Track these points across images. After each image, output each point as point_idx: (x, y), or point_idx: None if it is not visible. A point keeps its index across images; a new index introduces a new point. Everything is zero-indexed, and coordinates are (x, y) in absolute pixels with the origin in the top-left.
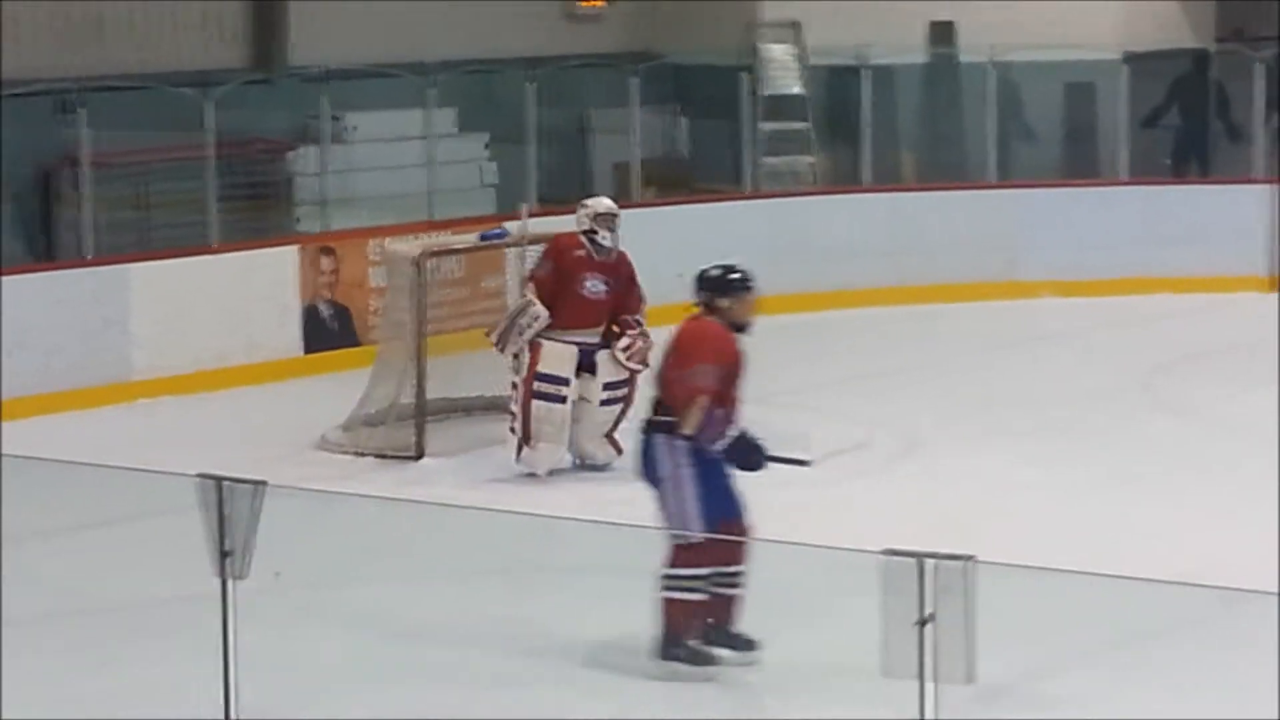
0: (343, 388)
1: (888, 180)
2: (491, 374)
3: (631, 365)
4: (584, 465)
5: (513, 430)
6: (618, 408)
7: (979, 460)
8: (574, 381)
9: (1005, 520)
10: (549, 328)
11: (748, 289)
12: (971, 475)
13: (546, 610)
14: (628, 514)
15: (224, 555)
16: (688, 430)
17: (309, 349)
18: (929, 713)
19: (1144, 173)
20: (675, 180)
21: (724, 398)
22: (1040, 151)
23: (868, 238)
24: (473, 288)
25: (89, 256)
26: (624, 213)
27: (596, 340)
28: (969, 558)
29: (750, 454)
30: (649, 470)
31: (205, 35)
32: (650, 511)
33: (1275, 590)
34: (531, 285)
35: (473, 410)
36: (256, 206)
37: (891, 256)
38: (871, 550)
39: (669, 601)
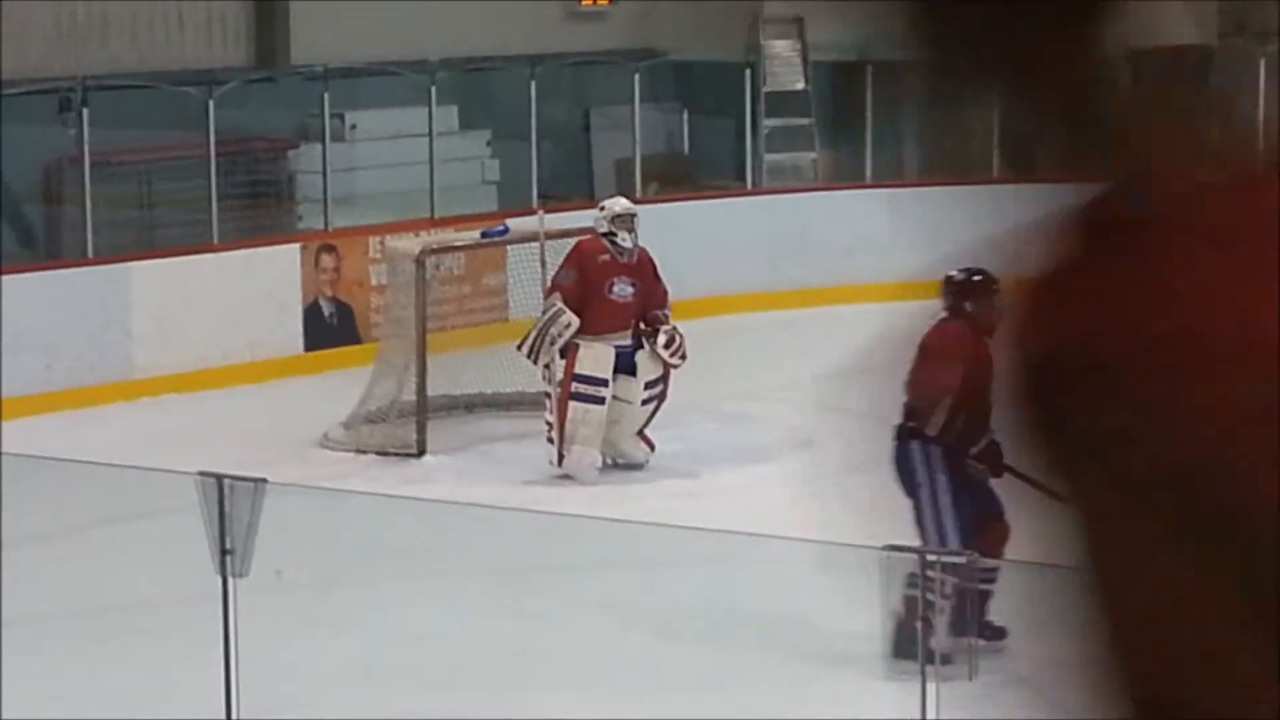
0: (344, 385)
1: (890, 176)
2: (492, 371)
3: (673, 360)
4: (618, 465)
5: (550, 440)
6: (653, 405)
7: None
8: (611, 383)
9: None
10: (579, 333)
11: (993, 291)
12: None
13: (549, 608)
14: (629, 511)
15: (225, 553)
16: (932, 431)
17: (310, 347)
18: (930, 706)
19: None
20: (677, 177)
21: (971, 401)
22: (1041, 146)
23: (870, 233)
24: (474, 285)
25: (91, 255)
26: None
27: (630, 342)
28: (969, 554)
29: (1000, 460)
30: (905, 478)
31: (207, 34)
32: (650, 508)
33: None
34: (558, 294)
35: (474, 407)
36: (258, 205)
37: (894, 252)
38: (873, 546)
39: (910, 600)
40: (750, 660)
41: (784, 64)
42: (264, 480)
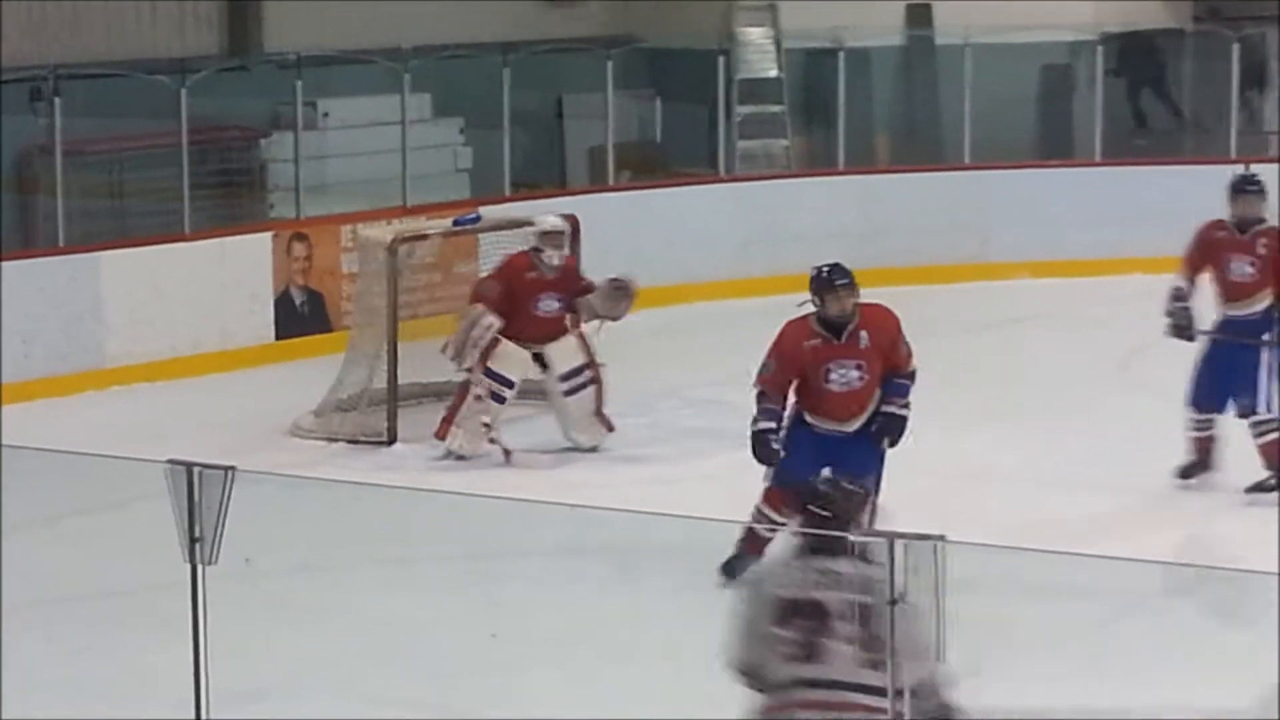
0: (315, 373)
1: (862, 163)
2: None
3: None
4: (575, 449)
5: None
6: (589, 390)
7: (953, 441)
8: (517, 386)
9: (981, 500)
10: (506, 335)
11: (837, 287)
12: (945, 456)
13: (519, 595)
14: (598, 497)
15: (194, 541)
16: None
17: (281, 335)
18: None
19: (1118, 153)
20: (650, 164)
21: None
22: (1015, 133)
23: (842, 220)
24: (446, 273)
25: (62, 244)
26: (599, 197)
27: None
28: (939, 537)
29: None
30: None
31: (179, 22)
32: (623, 495)
33: (1255, 568)
34: (480, 306)
35: (445, 395)
36: (230, 193)
37: (866, 239)
38: (843, 532)
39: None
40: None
41: (757, 51)
42: (233, 468)
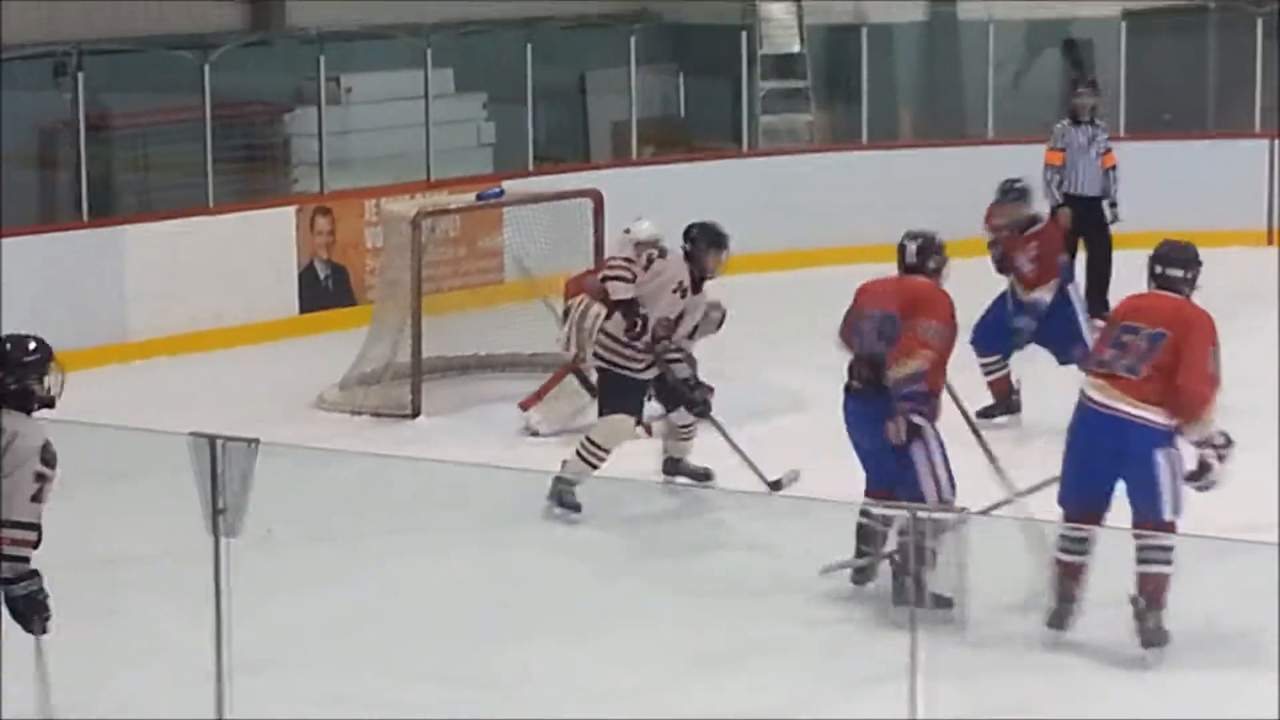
0: (339, 347)
1: (885, 138)
2: (487, 333)
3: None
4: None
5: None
6: None
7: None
8: None
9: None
10: None
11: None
12: (963, 429)
13: (542, 567)
14: (613, 468)
15: (217, 513)
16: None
17: (305, 309)
18: (921, 661)
19: (1141, 128)
20: (673, 139)
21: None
22: (1037, 108)
23: (865, 195)
24: (469, 247)
25: (86, 219)
26: (622, 172)
27: None
28: (961, 510)
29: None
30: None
31: None
32: (638, 466)
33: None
34: (584, 297)
35: (469, 369)
36: (253, 168)
37: (889, 214)
38: (861, 502)
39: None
40: (733, 614)
41: (780, 26)
42: (257, 440)
